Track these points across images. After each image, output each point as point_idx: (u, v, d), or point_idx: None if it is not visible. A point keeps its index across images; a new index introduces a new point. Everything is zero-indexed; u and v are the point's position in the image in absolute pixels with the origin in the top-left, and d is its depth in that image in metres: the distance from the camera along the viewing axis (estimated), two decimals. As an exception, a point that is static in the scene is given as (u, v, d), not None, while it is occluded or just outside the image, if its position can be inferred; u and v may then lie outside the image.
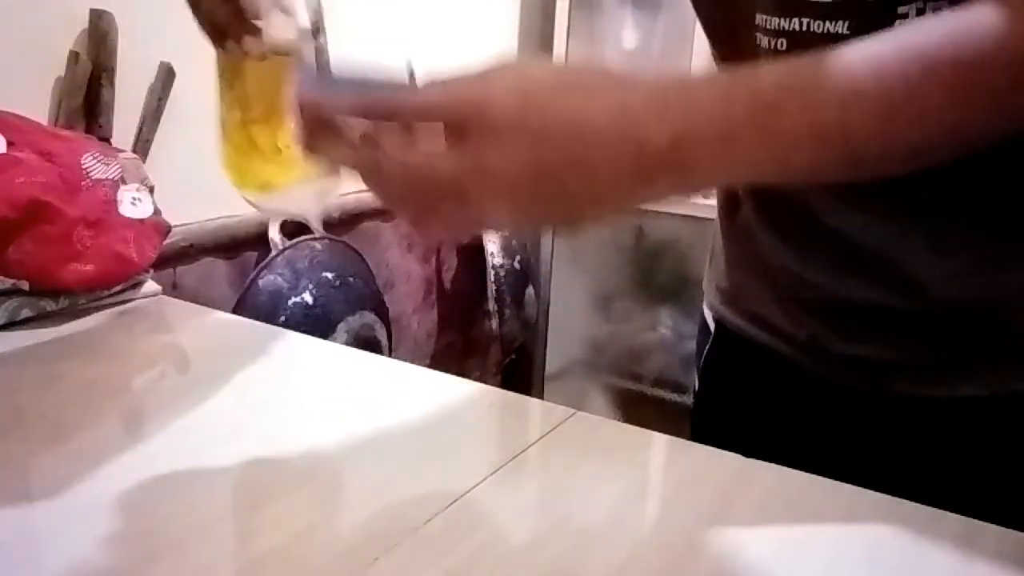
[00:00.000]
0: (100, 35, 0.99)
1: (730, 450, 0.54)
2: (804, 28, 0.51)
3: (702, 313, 0.76)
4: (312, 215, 0.59)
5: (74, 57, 0.96)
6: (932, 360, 0.59)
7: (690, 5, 0.60)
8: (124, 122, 1.03)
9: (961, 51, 0.39)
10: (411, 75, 0.44)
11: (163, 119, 1.08)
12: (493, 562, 0.41)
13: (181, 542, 0.41)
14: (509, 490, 0.49)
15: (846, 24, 0.49)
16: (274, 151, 0.57)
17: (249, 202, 0.60)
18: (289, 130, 0.51)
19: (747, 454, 0.54)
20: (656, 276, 1.97)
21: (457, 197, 0.38)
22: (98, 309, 0.76)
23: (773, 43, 0.53)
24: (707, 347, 0.75)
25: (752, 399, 0.72)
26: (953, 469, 0.62)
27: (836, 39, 0.48)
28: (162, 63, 1.06)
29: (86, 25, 0.99)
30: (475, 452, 0.54)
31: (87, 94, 0.98)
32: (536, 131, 0.37)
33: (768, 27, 0.53)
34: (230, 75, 0.56)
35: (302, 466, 0.50)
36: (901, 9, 0.47)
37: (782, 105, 0.39)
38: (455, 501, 0.46)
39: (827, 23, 0.50)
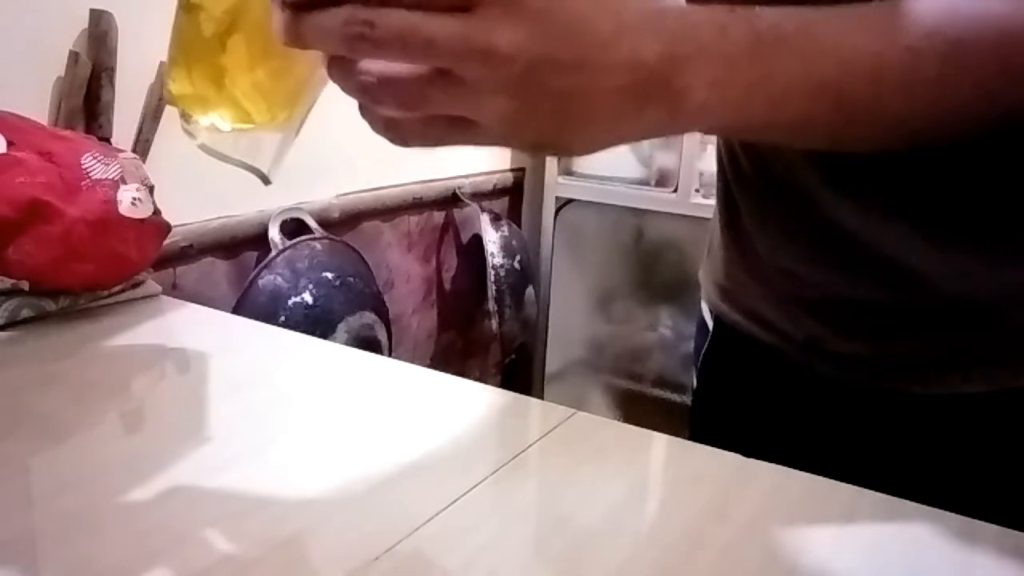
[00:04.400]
0: (100, 35, 0.99)
1: (729, 446, 0.54)
2: None
3: (700, 310, 0.77)
4: (267, 168, 0.52)
5: (74, 57, 0.96)
6: (930, 358, 0.60)
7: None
8: (124, 122, 1.03)
9: (958, 30, 0.39)
10: None
11: (163, 119, 1.08)
12: (493, 562, 0.41)
13: (181, 542, 0.41)
14: (509, 490, 0.49)
15: None
16: (247, 81, 0.50)
17: (198, 141, 0.52)
18: (267, 62, 0.44)
19: (746, 450, 0.54)
20: (656, 276, 1.97)
21: (453, 81, 0.34)
22: (98, 309, 0.76)
23: None
24: (705, 344, 0.75)
25: (750, 395, 0.72)
26: (952, 466, 0.62)
27: None
28: (162, 63, 1.06)
29: (86, 25, 0.99)
30: (475, 452, 0.54)
31: (87, 94, 0.98)
32: (545, 15, 0.34)
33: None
34: (230, 13, 0.49)
35: (302, 465, 0.50)
36: None
37: (778, 49, 0.38)
38: (455, 501, 0.46)
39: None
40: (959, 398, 0.59)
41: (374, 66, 0.34)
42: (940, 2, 0.40)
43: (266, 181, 0.53)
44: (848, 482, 0.50)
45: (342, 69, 0.35)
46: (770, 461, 0.52)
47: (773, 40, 0.38)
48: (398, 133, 0.37)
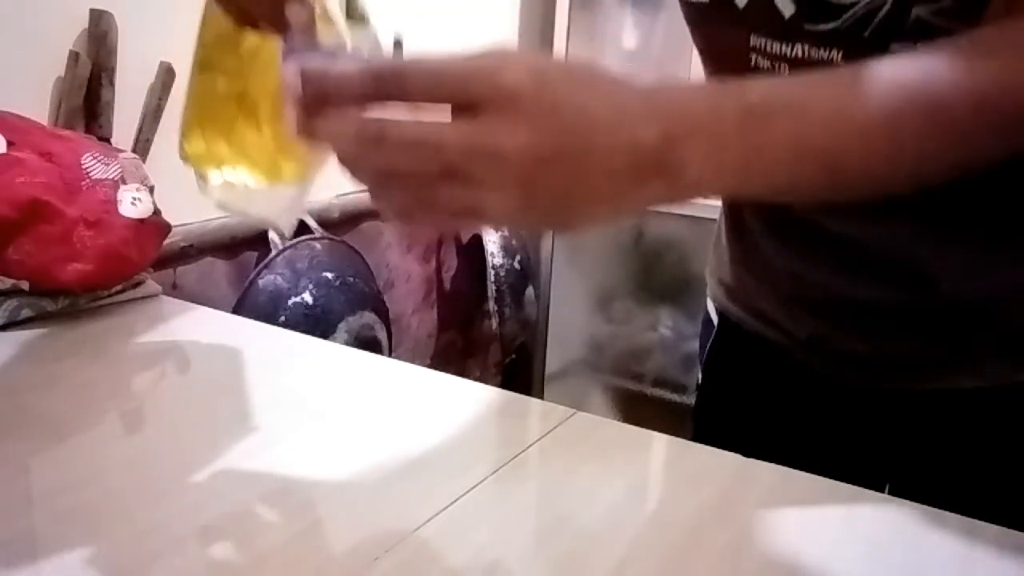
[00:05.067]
0: (100, 35, 0.99)
1: (731, 440, 0.54)
2: (803, 55, 0.52)
3: (705, 306, 0.77)
4: (284, 223, 0.54)
5: (74, 57, 0.96)
6: (929, 355, 0.61)
7: None
8: (124, 122, 1.03)
9: (939, 92, 0.41)
10: (399, 46, 0.43)
11: (163, 119, 1.08)
12: (493, 562, 0.41)
13: (181, 542, 0.41)
14: (509, 490, 0.49)
15: (840, 53, 0.51)
16: (259, 142, 0.52)
17: (213, 198, 0.54)
18: (280, 122, 0.46)
19: (748, 445, 0.54)
20: (656, 276, 1.97)
21: (461, 177, 0.36)
22: (98, 309, 0.76)
23: (776, 66, 0.55)
24: (710, 339, 0.76)
25: (754, 390, 0.73)
26: (951, 462, 0.63)
27: (831, 66, 0.50)
28: (162, 63, 1.06)
29: (86, 25, 0.99)
30: (475, 452, 0.54)
31: (87, 94, 0.98)
32: (547, 118, 0.36)
33: (768, 51, 0.55)
34: (230, 40, 0.51)
35: (302, 466, 0.50)
36: (894, 45, 0.49)
37: (769, 120, 0.40)
38: (455, 501, 0.46)
39: (822, 50, 0.51)
40: (958, 393, 0.60)
41: (385, 157, 0.36)
42: (921, 65, 0.42)
43: (282, 235, 0.55)
44: (848, 474, 0.50)
45: (353, 164, 0.38)
46: (772, 454, 0.52)
47: (763, 114, 0.40)
48: (410, 220, 0.39)
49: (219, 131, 0.53)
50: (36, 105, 0.95)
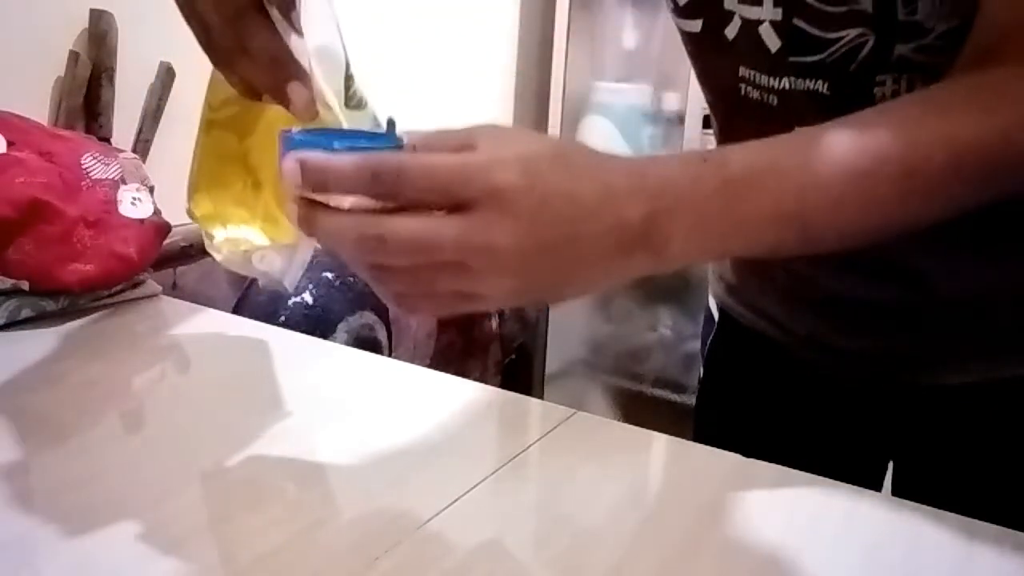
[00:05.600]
0: (100, 35, 0.99)
1: (731, 436, 0.54)
2: (790, 87, 0.54)
3: (707, 303, 0.78)
4: (288, 280, 0.56)
5: (74, 57, 0.96)
6: (927, 352, 0.62)
7: None
8: (124, 122, 1.03)
9: (912, 152, 0.42)
10: (392, 127, 0.44)
11: (163, 119, 1.08)
12: (493, 562, 0.41)
13: (181, 542, 0.41)
14: (509, 490, 0.49)
15: (826, 84, 0.53)
16: (262, 201, 0.54)
17: (219, 257, 0.57)
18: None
19: (748, 440, 0.54)
20: (656, 276, 1.97)
21: (458, 269, 0.38)
22: (98, 309, 0.75)
23: (764, 96, 0.57)
24: (711, 336, 0.77)
25: (754, 387, 0.74)
26: (948, 456, 0.64)
27: (817, 96, 0.53)
28: (162, 63, 1.06)
29: (86, 25, 0.99)
30: (475, 452, 0.54)
31: (87, 94, 0.98)
32: (537, 211, 0.38)
33: (757, 82, 0.57)
34: (235, 104, 0.53)
35: (302, 466, 0.50)
36: (879, 78, 0.51)
37: (748, 192, 0.41)
38: (455, 501, 0.46)
39: (808, 81, 0.53)
40: (952, 390, 0.61)
41: (384, 257, 0.38)
42: (895, 123, 0.43)
43: (286, 290, 0.56)
44: (847, 471, 0.50)
45: (351, 260, 0.40)
46: (771, 449, 0.52)
47: (743, 185, 0.41)
48: (408, 306, 0.41)
49: (224, 190, 0.55)
50: (36, 105, 0.95)
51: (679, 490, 0.49)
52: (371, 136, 0.45)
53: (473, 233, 0.37)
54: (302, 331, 0.77)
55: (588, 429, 0.57)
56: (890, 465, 0.71)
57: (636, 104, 1.85)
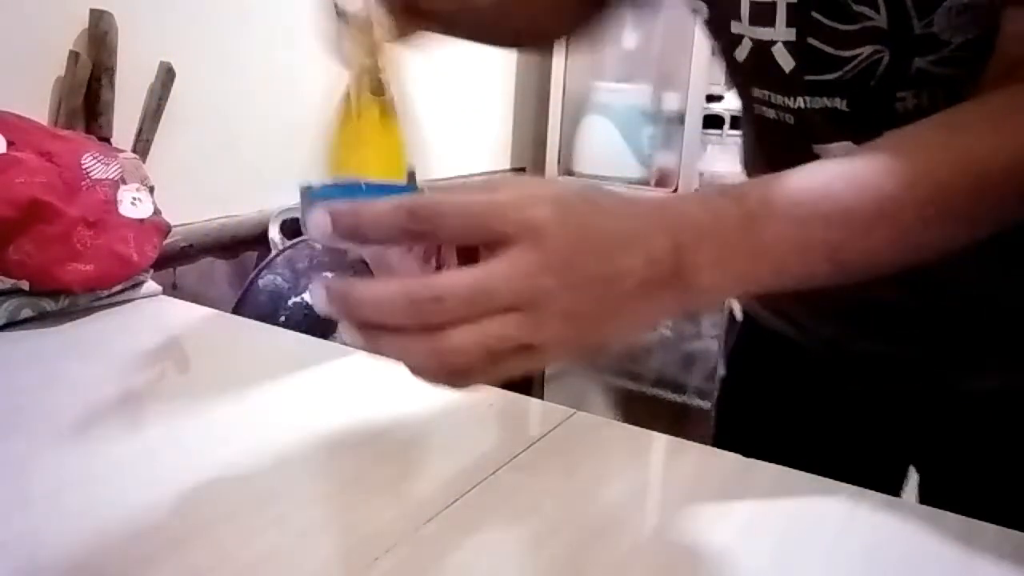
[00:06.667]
0: (100, 35, 0.99)
1: (752, 436, 0.54)
2: (806, 105, 0.54)
3: (727, 304, 0.80)
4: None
5: (74, 57, 0.96)
6: (949, 357, 0.62)
7: (689, 6, 0.61)
8: (124, 122, 1.03)
9: (938, 175, 0.42)
10: (412, 177, 0.44)
11: (163, 119, 1.08)
12: (493, 562, 0.41)
13: (181, 542, 0.41)
14: (509, 490, 0.49)
15: (844, 101, 0.52)
16: None
17: None
18: None
19: (769, 440, 0.54)
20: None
21: (514, 314, 0.37)
22: (98, 309, 0.76)
23: (781, 116, 0.56)
24: (735, 335, 0.78)
25: (777, 390, 0.74)
26: (972, 460, 0.63)
27: (835, 113, 0.52)
28: (162, 63, 1.06)
29: (86, 25, 0.99)
30: (475, 452, 0.54)
31: (87, 94, 0.98)
32: (575, 242, 0.38)
33: (772, 102, 0.57)
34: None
35: (302, 466, 0.50)
36: (900, 93, 0.50)
37: (769, 222, 0.41)
38: (455, 501, 0.46)
39: (825, 99, 0.53)
40: (979, 395, 0.61)
41: (442, 316, 0.37)
42: (920, 148, 0.43)
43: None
44: (869, 474, 0.50)
45: (418, 368, 0.39)
46: (792, 450, 0.52)
47: (764, 215, 0.41)
48: (468, 376, 0.40)
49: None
50: (36, 105, 0.95)
51: (679, 490, 0.49)
52: (391, 187, 0.45)
53: (521, 268, 0.37)
54: (302, 331, 0.77)
55: (588, 429, 0.57)
56: (912, 472, 0.72)
57: (636, 104, 1.85)
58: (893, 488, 0.71)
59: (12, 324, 0.70)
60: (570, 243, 0.38)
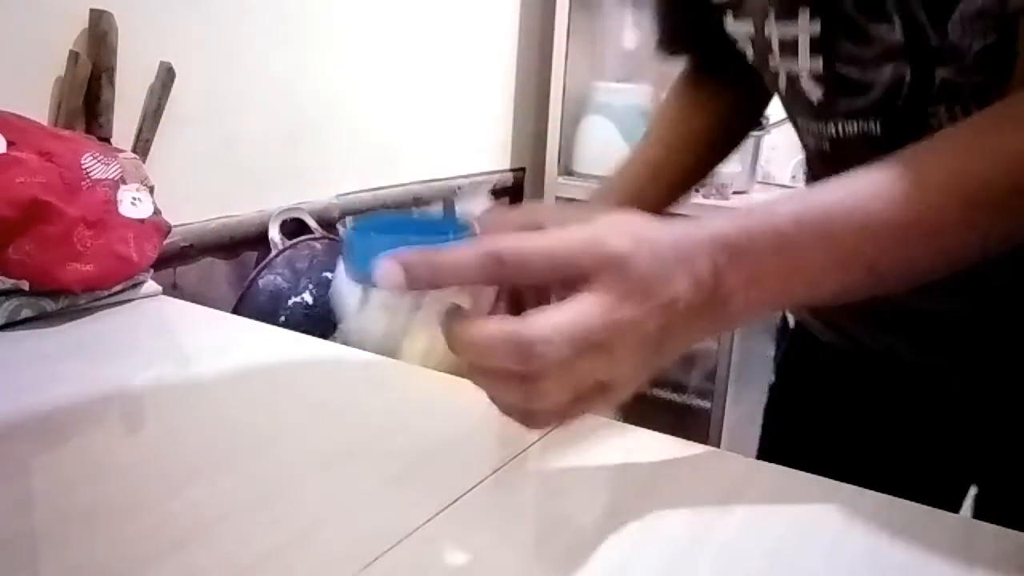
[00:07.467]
0: (100, 35, 0.99)
1: (799, 450, 0.54)
2: (841, 132, 0.54)
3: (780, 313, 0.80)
4: None
5: (74, 57, 0.96)
6: (1007, 370, 0.60)
7: (740, 49, 0.63)
8: (124, 122, 1.03)
9: (975, 173, 0.41)
10: (452, 210, 0.43)
11: (163, 119, 1.08)
12: (493, 562, 0.41)
13: (181, 542, 0.41)
14: (509, 490, 0.49)
15: (878, 123, 0.52)
16: None
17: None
18: None
19: (817, 456, 0.54)
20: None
21: (604, 351, 0.38)
22: (98, 309, 0.76)
23: (821, 145, 0.57)
24: (785, 343, 0.78)
25: (828, 401, 0.73)
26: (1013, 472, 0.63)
27: (870, 138, 0.52)
28: (162, 63, 1.06)
29: (86, 25, 0.99)
30: (475, 452, 0.54)
31: (87, 94, 0.98)
32: (652, 276, 0.38)
33: (811, 131, 0.58)
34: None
35: (301, 466, 0.50)
36: (931, 109, 0.50)
37: (801, 238, 0.41)
38: (455, 501, 0.46)
39: (860, 123, 0.53)
40: None
41: (545, 359, 0.36)
42: (954, 146, 0.42)
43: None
44: (924, 492, 0.49)
45: (508, 408, 0.40)
46: (843, 465, 0.51)
47: (794, 231, 0.41)
48: (552, 417, 0.40)
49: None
50: (36, 105, 0.95)
51: (679, 490, 0.49)
52: (439, 224, 0.44)
53: (609, 304, 0.37)
54: (302, 331, 0.77)
55: (588, 429, 0.57)
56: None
57: (636, 104, 1.85)
58: (952, 504, 0.68)
59: (12, 324, 0.70)
60: (647, 271, 0.38)
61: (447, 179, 1.72)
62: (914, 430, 0.68)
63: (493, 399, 0.40)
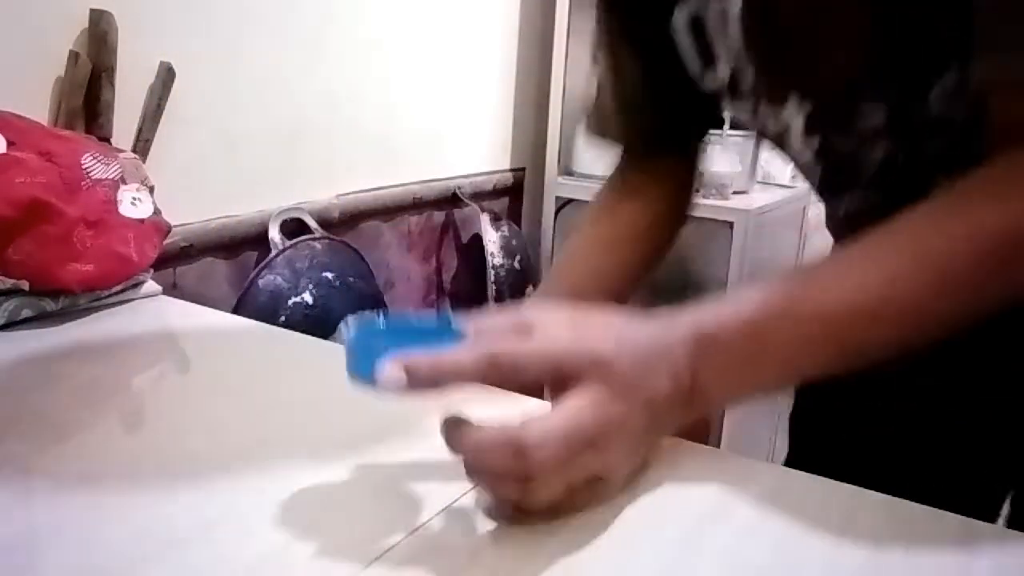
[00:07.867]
0: (100, 35, 0.99)
1: (829, 458, 0.54)
2: (845, 210, 0.58)
3: None
4: None
5: (74, 57, 0.96)
6: (1007, 380, 0.60)
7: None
8: (124, 122, 1.03)
9: (945, 249, 0.42)
10: (448, 320, 0.47)
11: (163, 119, 1.08)
12: (493, 562, 0.41)
13: (181, 542, 0.41)
14: (509, 490, 0.49)
15: (878, 196, 0.55)
16: None
17: None
18: None
19: (849, 464, 0.53)
20: (656, 276, 1.97)
21: (593, 446, 0.41)
22: (98, 309, 0.76)
23: (834, 213, 0.60)
24: None
25: (858, 409, 0.72)
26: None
27: (877, 207, 0.51)
28: (162, 63, 1.06)
29: (86, 25, 0.99)
30: (475, 452, 0.54)
31: (87, 94, 0.98)
32: (634, 373, 0.41)
33: (823, 199, 0.61)
34: None
35: (301, 466, 0.50)
36: (931, 180, 0.49)
37: (769, 325, 0.43)
38: (455, 501, 0.46)
39: (861, 197, 0.56)
40: None
41: (542, 462, 0.40)
42: (919, 224, 0.43)
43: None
44: (960, 501, 0.48)
45: (505, 503, 0.43)
46: (874, 474, 0.51)
47: (763, 318, 0.43)
48: (547, 511, 0.43)
49: None
50: (36, 105, 0.95)
51: (679, 490, 0.49)
52: (437, 329, 0.48)
53: (598, 402, 0.40)
54: (302, 331, 0.77)
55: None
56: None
57: (636, 104, 1.85)
58: (987, 516, 0.68)
59: (12, 324, 0.70)
60: (631, 371, 0.41)
61: (447, 179, 1.72)
62: (949, 438, 0.66)
63: (490, 494, 0.43)
